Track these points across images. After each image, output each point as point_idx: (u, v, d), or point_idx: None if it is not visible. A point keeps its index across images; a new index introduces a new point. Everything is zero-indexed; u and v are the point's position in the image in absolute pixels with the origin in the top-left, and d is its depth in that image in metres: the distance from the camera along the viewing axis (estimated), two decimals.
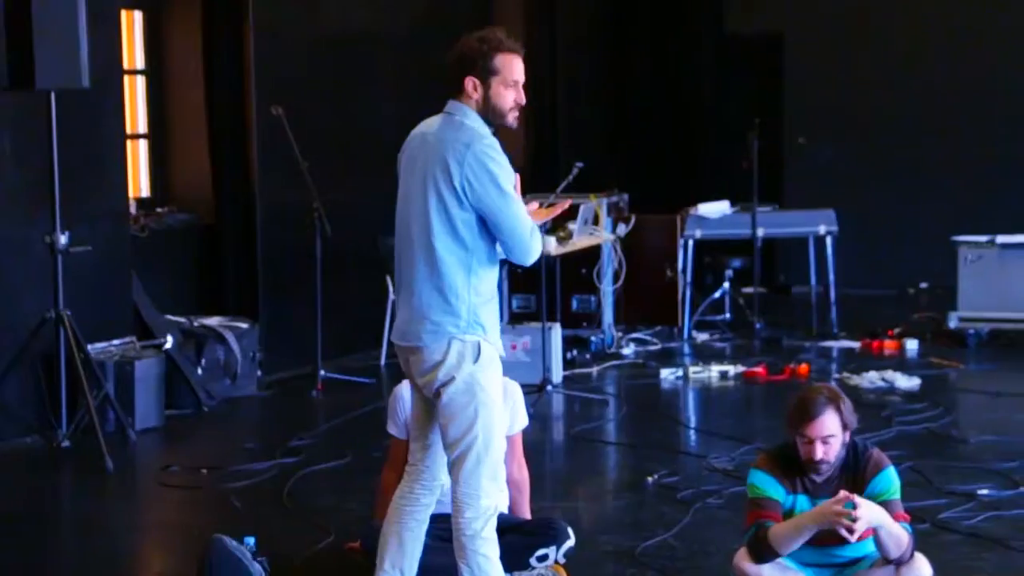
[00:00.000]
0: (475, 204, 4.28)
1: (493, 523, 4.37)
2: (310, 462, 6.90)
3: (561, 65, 12.48)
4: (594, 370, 9.27)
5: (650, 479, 6.47)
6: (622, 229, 10.11)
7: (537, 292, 8.99)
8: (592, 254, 9.93)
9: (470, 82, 4.36)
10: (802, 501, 4.54)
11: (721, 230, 10.37)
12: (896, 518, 4.47)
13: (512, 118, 4.40)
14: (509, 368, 7.90)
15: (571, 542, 4.96)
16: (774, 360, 9.25)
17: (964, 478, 6.34)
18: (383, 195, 9.96)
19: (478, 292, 4.33)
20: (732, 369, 9.03)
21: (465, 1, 11.23)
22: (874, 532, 4.37)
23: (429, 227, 4.34)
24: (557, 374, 8.73)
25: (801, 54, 13.27)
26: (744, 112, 11.23)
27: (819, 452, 4.42)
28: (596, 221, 9.78)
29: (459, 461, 4.31)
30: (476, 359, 4.29)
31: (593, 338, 9.98)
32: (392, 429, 5.21)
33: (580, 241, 9.43)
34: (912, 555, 4.43)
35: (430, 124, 4.49)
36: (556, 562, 4.93)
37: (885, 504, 4.48)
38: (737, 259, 10.86)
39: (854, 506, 4.29)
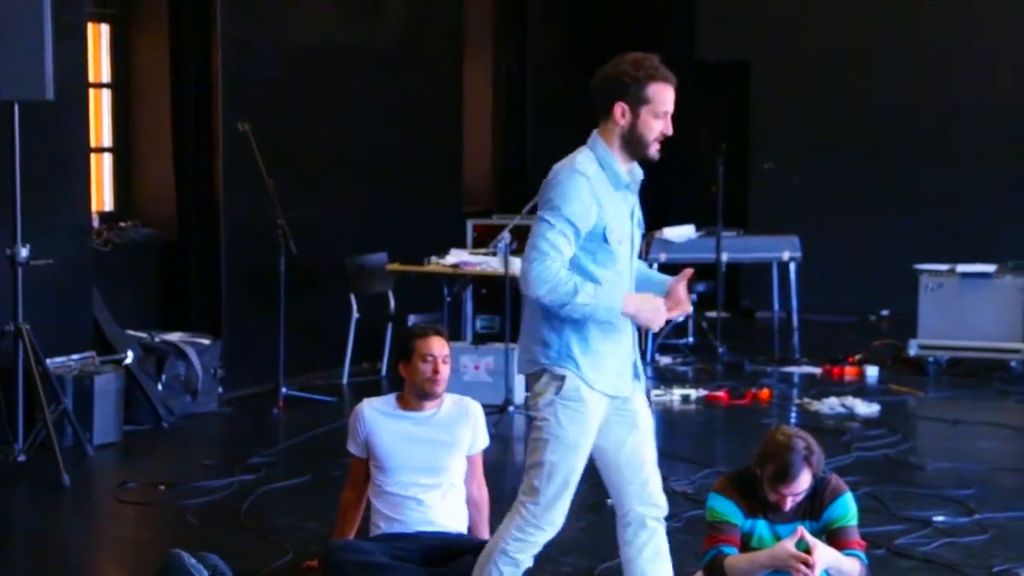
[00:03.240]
0: None
1: (530, 547, 4.34)
2: (269, 480, 6.87)
3: (530, 87, 12.52)
4: None
5: (610, 501, 6.43)
6: None
7: (501, 313, 9.00)
8: None
9: (619, 108, 4.20)
10: (761, 526, 4.56)
11: (686, 254, 10.41)
12: (852, 544, 4.50)
13: (655, 150, 4.23)
14: (472, 388, 7.97)
15: (529, 563, 4.95)
16: (736, 384, 9.28)
17: (920, 505, 6.37)
18: (350, 213, 10.09)
19: (573, 324, 4.19)
20: (694, 393, 9.05)
21: (437, 20, 11.25)
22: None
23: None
24: (519, 395, 8.72)
25: (768, 81, 13.36)
26: (711, 137, 11.30)
27: (789, 504, 4.48)
28: None
29: (527, 483, 4.31)
30: (558, 391, 4.22)
31: None
32: (352, 448, 5.20)
33: None
34: None
35: None
36: None
37: (842, 530, 4.51)
38: (701, 283, 10.91)
39: (807, 547, 4.33)
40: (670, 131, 4.23)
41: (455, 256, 9.29)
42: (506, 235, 8.65)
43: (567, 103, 13.36)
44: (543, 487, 4.25)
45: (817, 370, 9.98)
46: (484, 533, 5.21)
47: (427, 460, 5.09)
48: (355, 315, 9.59)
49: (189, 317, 8.99)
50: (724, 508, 4.56)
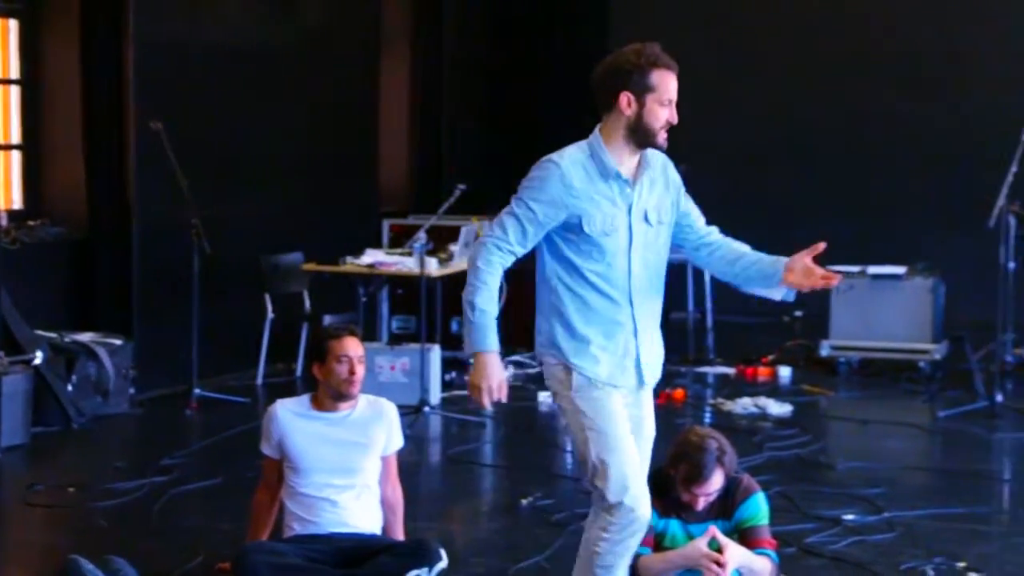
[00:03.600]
0: None
1: (624, 548, 4.21)
2: (182, 481, 6.80)
3: (447, 85, 12.51)
4: None
5: (525, 501, 6.48)
6: None
7: (417, 313, 8.98)
8: None
9: (625, 97, 4.16)
10: (674, 525, 4.60)
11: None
12: (763, 543, 4.55)
13: (662, 139, 4.21)
14: (387, 389, 7.95)
15: (443, 564, 4.96)
16: None
17: (830, 503, 6.44)
18: (265, 213, 10.02)
19: (561, 317, 4.21)
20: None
21: (353, 19, 11.20)
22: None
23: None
24: (435, 396, 8.72)
25: (683, 85, 13.40)
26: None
27: (702, 503, 4.52)
28: None
29: (590, 481, 4.24)
30: (571, 384, 4.20)
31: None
32: (265, 449, 5.17)
33: (461, 263, 9.44)
34: None
35: None
36: None
37: (753, 529, 4.56)
38: None
39: (719, 546, 4.38)
40: (675, 119, 4.22)
41: (371, 256, 9.26)
42: (422, 235, 8.65)
43: (484, 103, 13.40)
44: (604, 486, 4.16)
45: (731, 370, 10.06)
46: (398, 534, 5.21)
47: (341, 461, 5.07)
48: (270, 315, 9.53)
49: (100, 317, 8.88)
50: None
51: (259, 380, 9.44)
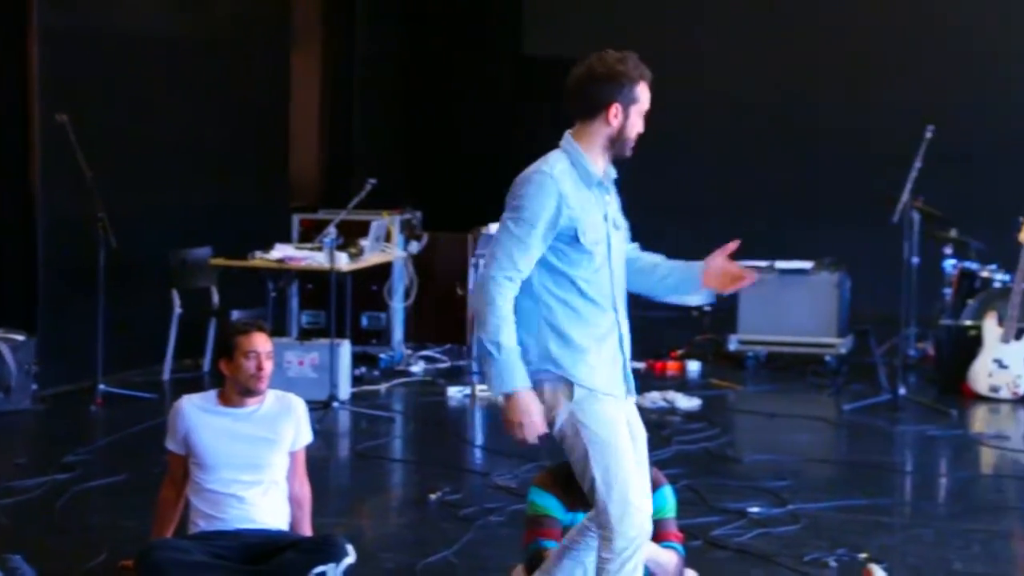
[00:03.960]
0: None
1: (632, 566, 4.11)
2: (85, 478, 6.71)
3: (358, 80, 12.46)
4: (382, 387, 9.26)
5: (433, 496, 6.48)
6: (414, 247, 10.14)
7: (327, 308, 8.94)
8: (383, 271, 9.95)
9: (614, 109, 4.12)
10: (580, 519, 4.62)
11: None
12: (669, 537, 4.59)
13: (631, 148, 4.19)
14: (296, 384, 7.91)
15: (351, 559, 4.94)
16: None
17: (737, 496, 6.51)
18: (173, 207, 9.91)
19: (553, 328, 4.09)
20: None
21: (263, 12, 11.12)
22: None
23: None
24: (345, 391, 8.69)
25: None
26: (538, 133, 11.36)
27: None
28: (388, 238, 9.80)
29: (593, 501, 4.12)
30: (571, 398, 4.07)
31: (383, 355, 9.98)
32: (171, 445, 5.11)
33: (371, 258, 9.43)
34: (683, 573, 4.54)
35: None
36: None
37: (659, 522, 4.58)
38: None
39: None
40: (642, 128, 4.21)
41: (280, 251, 9.20)
42: (332, 230, 8.61)
43: (395, 98, 13.36)
44: (606, 500, 4.06)
45: (640, 365, 10.12)
46: (306, 530, 5.17)
47: (248, 457, 5.03)
48: (177, 310, 9.43)
49: (3, 312, 8.73)
50: (545, 502, 4.61)
51: (166, 376, 9.35)
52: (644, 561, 4.44)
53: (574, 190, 4.11)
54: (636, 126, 4.18)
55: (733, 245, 4.33)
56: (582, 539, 4.38)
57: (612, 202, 4.28)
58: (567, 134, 4.21)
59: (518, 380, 4.03)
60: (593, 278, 4.15)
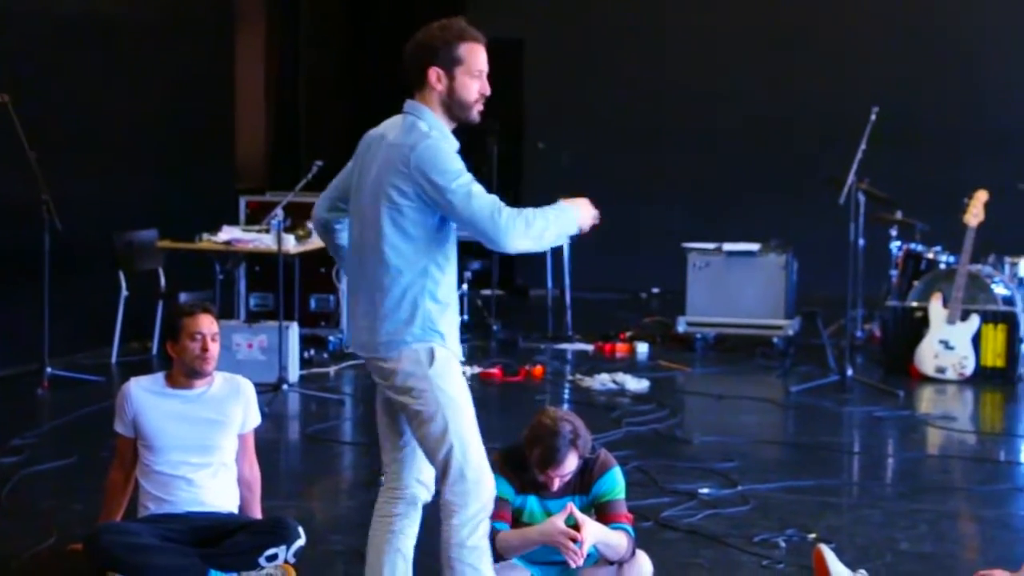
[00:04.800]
0: (429, 206, 4.07)
1: (482, 531, 4.16)
2: (33, 462, 6.66)
3: (303, 62, 12.39)
4: (331, 370, 9.24)
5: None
6: None
7: (275, 291, 8.90)
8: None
9: (434, 73, 4.11)
10: (532, 501, 4.63)
11: (460, 232, 10.44)
12: (620, 518, 4.60)
13: (476, 112, 4.17)
14: (245, 367, 7.87)
15: (301, 541, 4.93)
16: (510, 362, 9.38)
17: (686, 477, 6.54)
18: (118, 189, 9.82)
19: (434, 298, 4.11)
20: (468, 370, 9.09)
21: None
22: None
23: (381, 233, 4.09)
24: (294, 373, 8.65)
25: (541, 60, 13.50)
26: (485, 116, 11.36)
27: (557, 484, 4.55)
28: None
29: (442, 472, 4.13)
30: (431, 364, 4.07)
31: (331, 337, 9.95)
32: (119, 427, 5.08)
33: (319, 241, 9.37)
34: (633, 554, 4.56)
35: (388, 126, 4.22)
36: (286, 561, 4.88)
37: (609, 503, 4.60)
38: (476, 261, 10.98)
39: (576, 523, 4.41)
40: (488, 91, 4.18)
41: (227, 233, 9.14)
42: (279, 212, 8.55)
43: (341, 79, 13.29)
44: (465, 463, 4.10)
45: (589, 347, 10.16)
46: (256, 512, 5.16)
47: (197, 439, 5.01)
48: (124, 293, 9.36)
49: None
50: (496, 484, 4.60)
51: (113, 359, 9.29)
52: (594, 542, 4.46)
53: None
54: (467, 87, 4.16)
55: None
56: (391, 528, 4.39)
57: None
58: (412, 103, 4.20)
59: (559, 204, 4.20)
60: (452, 247, 4.23)
